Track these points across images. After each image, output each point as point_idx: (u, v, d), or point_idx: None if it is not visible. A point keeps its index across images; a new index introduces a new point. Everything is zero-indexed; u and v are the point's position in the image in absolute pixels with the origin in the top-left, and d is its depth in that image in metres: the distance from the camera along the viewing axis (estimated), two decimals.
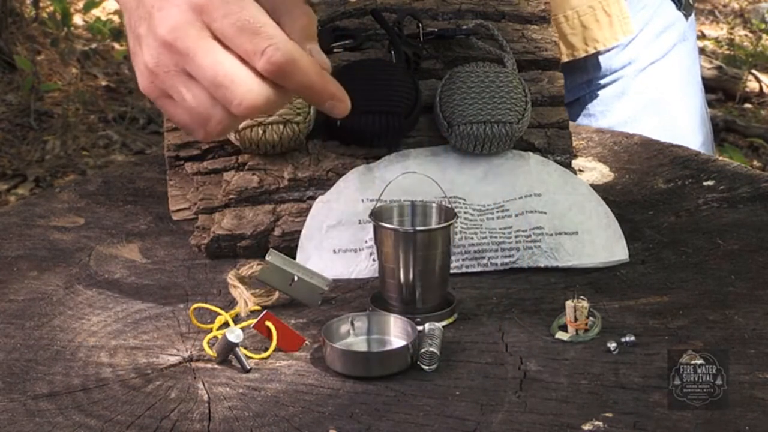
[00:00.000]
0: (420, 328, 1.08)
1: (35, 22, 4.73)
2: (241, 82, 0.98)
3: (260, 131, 1.27)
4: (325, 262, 1.21)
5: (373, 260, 1.20)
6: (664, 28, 1.75)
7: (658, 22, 1.74)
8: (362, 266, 1.22)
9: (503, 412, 0.97)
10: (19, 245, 1.30)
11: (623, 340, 1.07)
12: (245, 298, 1.13)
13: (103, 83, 4.39)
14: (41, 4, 4.81)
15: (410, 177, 1.24)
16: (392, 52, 1.37)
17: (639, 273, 1.21)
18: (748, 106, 4.31)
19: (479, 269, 1.22)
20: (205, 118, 1.00)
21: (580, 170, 1.44)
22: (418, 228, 1.14)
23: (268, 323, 1.07)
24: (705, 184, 1.41)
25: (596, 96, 1.72)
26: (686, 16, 1.77)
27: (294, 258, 1.19)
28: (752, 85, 4.43)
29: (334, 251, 1.23)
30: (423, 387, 1.02)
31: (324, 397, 1.00)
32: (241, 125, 1.26)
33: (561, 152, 1.34)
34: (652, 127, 1.67)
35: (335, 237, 1.23)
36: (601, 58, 1.69)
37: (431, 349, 1.04)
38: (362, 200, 1.25)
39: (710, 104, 3.51)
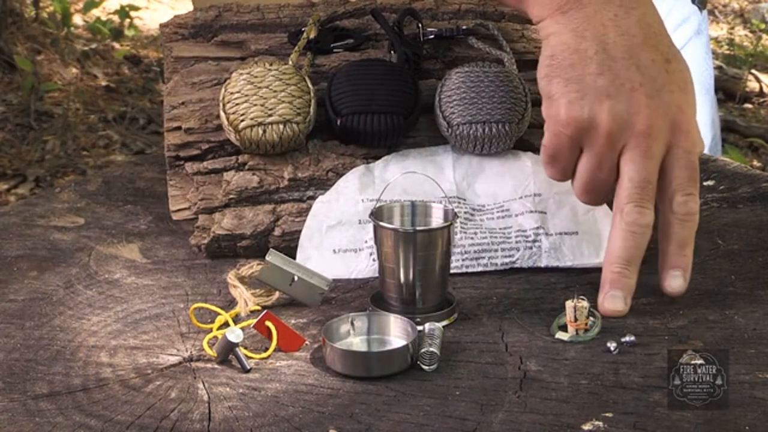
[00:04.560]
0: (420, 328, 1.08)
1: (35, 22, 4.73)
2: (650, 204, 1.13)
3: (260, 131, 1.27)
4: (325, 262, 1.21)
5: (373, 260, 1.20)
6: (681, 22, 1.75)
7: (676, 16, 1.74)
8: (362, 266, 1.22)
9: (503, 412, 0.97)
10: (19, 245, 1.30)
11: (623, 340, 1.07)
12: (245, 298, 1.13)
13: (103, 83, 4.39)
14: (41, 4, 4.81)
15: (410, 177, 1.24)
16: (392, 52, 1.37)
17: (640, 273, 1.21)
18: (748, 106, 4.31)
19: (479, 269, 1.22)
20: (595, 191, 1.16)
21: None
22: (418, 228, 1.14)
23: (268, 323, 1.07)
24: (705, 184, 1.41)
25: None
26: (700, 10, 1.78)
27: (294, 258, 1.19)
28: (752, 85, 4.43)
29: (334, 251, 1.23)
30: (423, 387, 1.02)
31: (324, 397, 1.00)
32: (242, 125, 1.26)
33: None
34: None
35: (335, 237, 1.23)
36: None
37: (431, 349, 1.04)
38: (362, 200, 1.25)
39: None
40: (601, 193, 1.15)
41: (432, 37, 1.39)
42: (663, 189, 1.13)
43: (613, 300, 1.12)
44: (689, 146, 1.13)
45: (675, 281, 1.14)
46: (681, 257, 1.13)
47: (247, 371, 1.05)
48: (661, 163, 1.13)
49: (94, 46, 4.64)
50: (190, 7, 1.59)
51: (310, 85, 1.30)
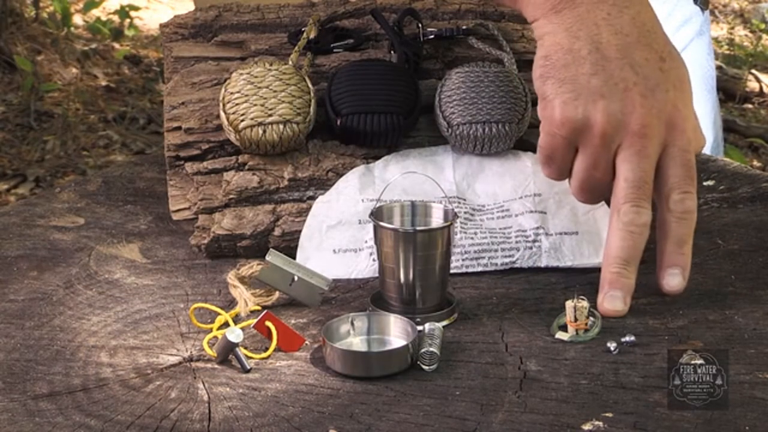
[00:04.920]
0: (420, 328, 1.08)
1: (35, 22, 4.73)
2: (647, 203, 1.12)
3: (260, 131, 1.27)
4: (325, 262, 1.21)
5: (373, 260, 1.20)
6: (682, 22, 1.75)
7: (677, 16, 1.74)
8: (362, 266, 1.22)
9: (503, 412, 0.97)
10: (19, 245, 1.30)
11: (623, 340, 1.07)
12: (245, 298, 1.13)
13: (103, 83, 4.39)
14: (41, 4, 4.81)
15: (410, 177, 1.24)
16: (392, 52, 1.37)
17: (639, 273, 1.21)
18: (748, 106, 4.31)
19: (479, 269, 1.22)
20: (591, 190, 1.16)
21: None
22: (418, 228, 1.14)
23: (268, 323, 1.07)
24: (705, 184, 1.41)
25: None
26: (702, 11, 1.77)
27: (294, 258, 1.19)
28: (752, 85, 4.43)
29: (334, 251, 1.23)
30: (423, 387, 1.02)
31: (324, 397, 1.00)
32: (242, 125, 1.26)
33: None
34: None
35: (335, 237, 1.23)
36: None
37: (431, 349, 1.04)
38: (362, 200, 1.25)
39: None
40: (597, 192, 1.16)
41: (432, 37, 1.39)
42: (660, 187, 1.13)
43: (612, 300, 1.12)
44: (685, 144, 1.13)
45: (673, 280, 1.14)
46: (679, 255, 1.14)
47: (247, 371, 1.05)
48: (657, 162, 1.13)
49: (94, 46, 4.64)
50: (190, 7, 1.59)
51: (310, 85, 1.30)
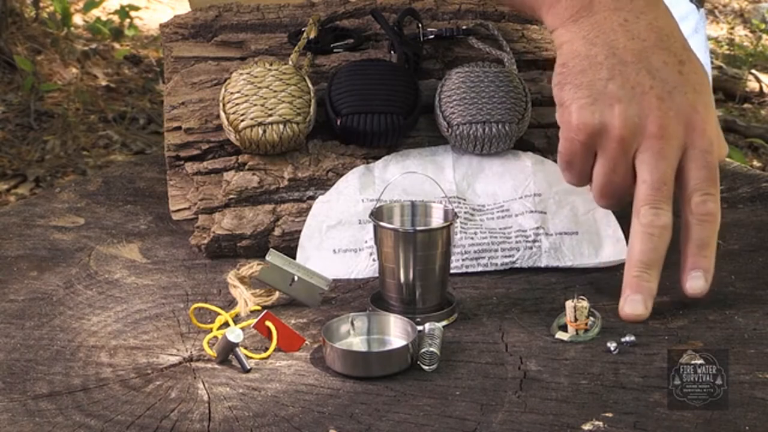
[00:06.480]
0: (420, 328, 1.08)
1: (35, 22, 4.73)
2: (667, 205, 1.11)
3: (260, 131, 1.27)
4: (325, 262, 1.21)
5: (373, 260, 1.20)
6: (678, 20, 1.74)
7: (673, 14, 1.74)
8: (362, 266, 1.22)
9: (503, 412, 0.97)
10: (19, 245, 1.30)
11: (623, 340, 1.07)
12: (245, 298, 1.13)
13: (103, 83, 4.39)
14: (41, 4, 4.81)
15: (410, 177, 1.24)
16: (392, 52, 1.37)
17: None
18: (748, 106, 4.31)
19: (479, 269, 1.22)
20: (612, 195, 1.15)
21: None
22: (418, 228, 1.14)
23: (268, 323, 1.07)
24: None
25: None
26: (698, 8, 1.77)
27: (294, 258, 1.19)
28: (752, 85, 4.43)
29: (334, 251, 1.23)
30: (423, 387, 1.02)
31: (324, 397, 1.00)
32: (242, 125, 1.26)
33: None
34: None
35: (335, 237, 1.23)
36: None
37: (431, 349, 1.04)
38: (362, 200, 1.25)
39: None
40: (618, 196, 1.15)
41: (432, 37, 1.40)
42: (681, 190, 1.13)
43: (633, 304, 1.12)
44: (705, 146, 1.13)
45: (696, 282, 1.13)
46: (701, 258, 1.13)
47: (247, 371, 1.05)
48: (678, 165, 1.13)
49: (94, 46, 4.64)
50: (189, 8, 1.59)
51: (310, 85, 1.30)
